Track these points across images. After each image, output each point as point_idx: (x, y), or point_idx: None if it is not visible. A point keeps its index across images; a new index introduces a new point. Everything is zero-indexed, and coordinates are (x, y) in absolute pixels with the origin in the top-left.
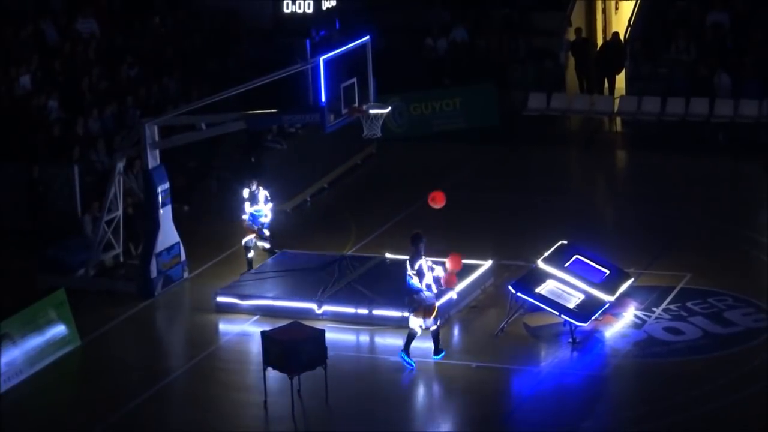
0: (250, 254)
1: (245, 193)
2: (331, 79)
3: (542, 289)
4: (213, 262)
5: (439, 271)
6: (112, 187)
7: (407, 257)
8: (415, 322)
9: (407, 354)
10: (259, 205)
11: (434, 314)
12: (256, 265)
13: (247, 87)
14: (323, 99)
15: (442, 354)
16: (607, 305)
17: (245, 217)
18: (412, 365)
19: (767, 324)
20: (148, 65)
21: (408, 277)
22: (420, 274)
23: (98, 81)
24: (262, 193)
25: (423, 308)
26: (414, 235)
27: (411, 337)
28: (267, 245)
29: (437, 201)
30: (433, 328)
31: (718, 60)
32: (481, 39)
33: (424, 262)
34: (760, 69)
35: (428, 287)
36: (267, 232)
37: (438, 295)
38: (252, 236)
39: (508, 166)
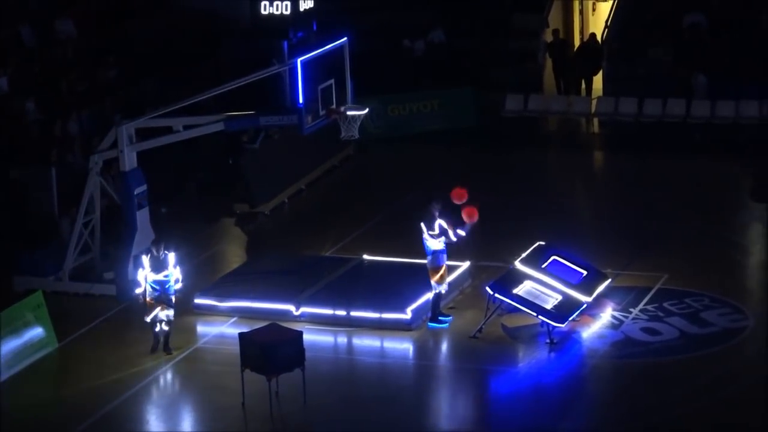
0: (158, 328)
1: (145, 260)
2: (309, 81)
3: (520, 290)
4: (191, 264)
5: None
6: (89, 189)
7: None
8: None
9: (436, 321)
10: (168, 270)
11: (438, 276)
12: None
13: (224, 89)
14: (301, 100)
15: (441, 325)
16: (585, 306)
17: (141, 290)
18: (445, 323)
19: (744, 324)
20: (126, 67)
21: (424, 240)
22: (442, 233)
23: (76, 83)
24: (171, 256)
25: (433, 269)
26: (431, 199)
27: (434, 300)
28: (172, 314)
29: (462, 197)
30: (435, 290)
31: (695, 61)
32: (459, 40)
33: (436, 222)
34: (737, 70)
35: (445, 246)
36: (173, 299)
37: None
38: (157, 309)
39: (486, 167)
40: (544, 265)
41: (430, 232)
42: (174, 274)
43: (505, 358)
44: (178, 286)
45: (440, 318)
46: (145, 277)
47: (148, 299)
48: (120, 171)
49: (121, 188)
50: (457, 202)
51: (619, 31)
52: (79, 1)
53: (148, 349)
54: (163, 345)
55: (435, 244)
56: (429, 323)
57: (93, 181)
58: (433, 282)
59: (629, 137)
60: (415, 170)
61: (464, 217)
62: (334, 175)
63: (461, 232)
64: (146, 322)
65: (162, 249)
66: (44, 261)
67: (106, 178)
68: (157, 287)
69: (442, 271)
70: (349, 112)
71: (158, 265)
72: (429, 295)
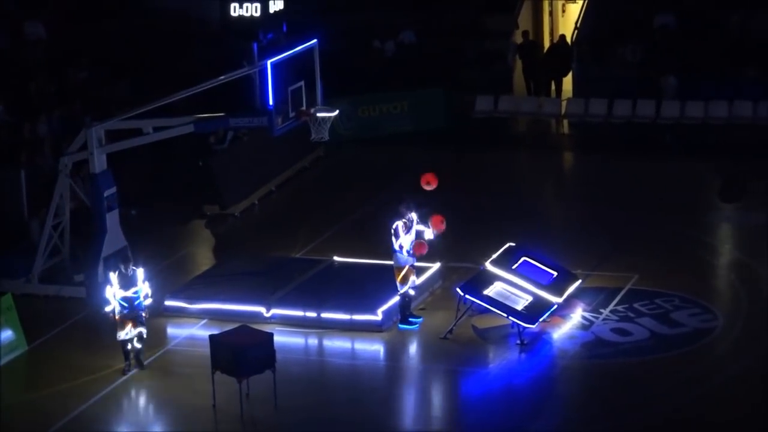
0: (129, 346)
1: (113, 278)
2: (279, 83)
3: (490, 291)
4: (161, 265)
5: (414, 234)
6: (59, 191)
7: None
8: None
9: (406, 323)
10: (137, 286)
11: (401, 277)
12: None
13: (194, 90)
14: (271, 102)
15: (411, 326)
16: (555, 307)
17: (111, 308)
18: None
19: (714, 324)
20: (96, 68)
21: (391, 240)
22: (395, 234)
23: (46, 85)
24: (139, 272)
25: (396, 268)
26: (400, 199)
27: (401, 301)
28: (144, 330)
29: (431, 182)
30: (400, 291)
31: (665, 62)
32: (429, 41)
33: (401, 224)
34: (706, 71)
35: (400, 248)
36: (146, 315)
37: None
38: (128, 326)
39: (456, 168)
40: (514, 266)
41: (398, 232)
42: (143, 290)
43: (476, 359)
44: (148, 302)
45: (410, 319)
46: (113, 295)
47: (117, 317)
48: (90, 173)
49: (90, 190)
50: (426, 188)
51: (589, 32)
52: (49, 3)
53: (118, 351)
54: (136, 361)
55: (400, 243)
56: (399, 325)
57: (63, 183)
58: (396, 282)
59: (599, 138)
60: (385, 171)
61: (431, 226)
62: (304, 177)
63: (428, 236)
64: (118, 340)
65: (130, 265)
66: (14, 263)
67: (75, 180)
68: (126, 304)
69: (404, 272)
70: (319, 114)
71: (127, 282)
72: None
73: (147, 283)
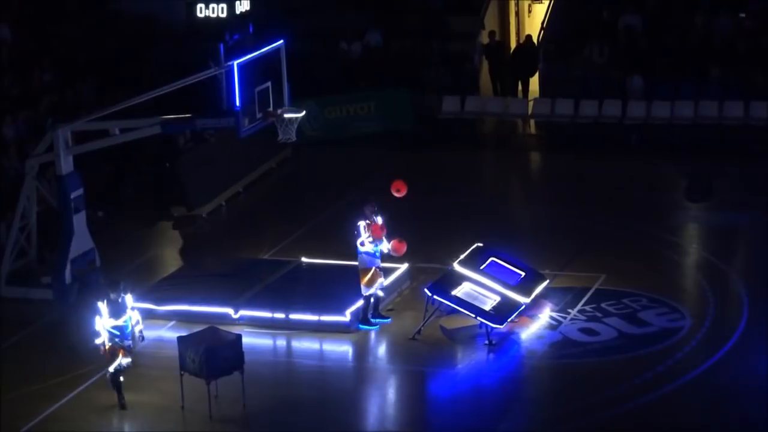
0: (122, 378)
1: (102, 307)
2: (246, 84)
3: (458, 292)
4: (129, 267)
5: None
6: (26, 194)
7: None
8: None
9: (366, 323)
10: (128, 314)
11: (367, 279)
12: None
13: (161, 91)
14: (237, 103)
15: (369, 327)
16: (523, 307)
17: (102, 340)
18: (376, 325)
19: (681, 324)
20: (61, 70)
21: (356, 242)
22: (357, 233)
23: (10, 87)
24: (128, 299)
25: (362, 270)
26: (365, 201)
27: (365, 303)
28: (130, 360)
29: (401, 190)
30: (365, 294)
31: (631, 62)
32: (396, 42)
33: (363, 223)
34: (672, 71)
35: (362, 244)
36: (135, 344)
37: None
38: (120, 357)
39: (423, 168)
40: (482, 267)
41: (362, 234)
42: (133, 317)
43: (444, 359)
44: (140, 327)
45: (372, 320)
46: (103, 325)
47: (108, 347)
48: (56, 175)
49: (57, 192)
50: (396, 195)
51: (555, 32)
52: (12, 4)
53: (86, 353)
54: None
55: (365, 246)
56: (359, 325)
57: (29, 185)
58: (362, 285)
59: (565, 138)
60: (352, 172)
61: (392, 249)
62: (271, 178)
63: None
64: (109, 373)
65: (120, 291)
66: None
67: (42, 182)
68: (118, 333)
69: (371, 274)
70: (286, 115)
71: (117, 310)
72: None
73: (136, 311)
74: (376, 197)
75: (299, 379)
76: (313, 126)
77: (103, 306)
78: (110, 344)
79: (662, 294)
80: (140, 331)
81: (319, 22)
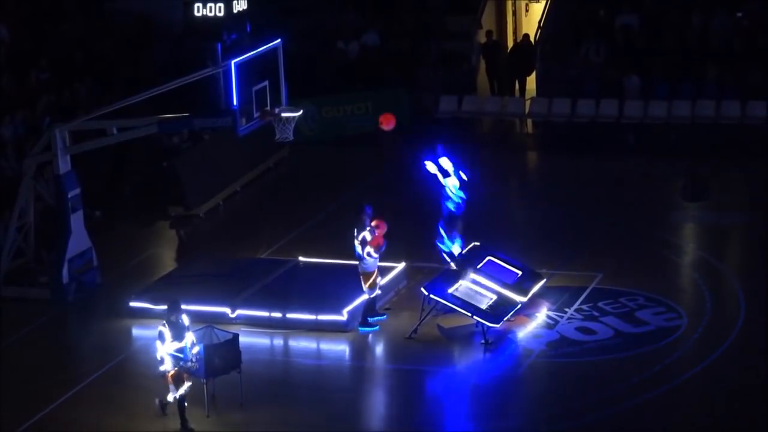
0: (186, 403)
1: (165, 331)
2: (243, 83)
3: (455, 291)
4: (126, 267)
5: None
6: (23, 193)
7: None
8: (363, 288)
9: (366, 325)
10: (188, 336)
11: (369, 282)
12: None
13: (158, 91)
14: (235, 102)
15: (370, 329)
16: (520, 306)
17: (166, 367)
18: (376, 327)
19: (678, 323)
20: (58, 70)
21: (355, 245)
22: (363, 242)
23: (8, 87)
24: (185, 318)
25: (364, 274)
26: (363, 206)
27: (366, 304)
28: (190, 384)
29: (388, 123)
30: (370, 296)
31: (628, 62)
32: (393, 42)
33: (367, 233)
34: (669, 71)
35: (368, 254)
36: (193, 365)
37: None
38: (185, 381)
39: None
40: (479, 266)
41: (357, 240)
42: (188, 338)
43: (441, 358)
44: (196, 350)
45: (370, 320)
46: (167, 350)
47: (172, 373)
48: (54, 174)
49: (55, 192)
50: (385, 127)
51: (552, 32)
52: (10, 4)
53: (83, 352)
54: (162, 409)
55: (362, 251)
56: (360, 328)
57: (27, 184)
58: (366, 288)
59: (563, 138)
60: (349, 172)
61: (369, 248)
62: (269, 177)
63: (373, 253)
64: (174, 400)
65: (179, 312)
66: None
67: (39, 182)
68: (181, 356)
69: (373, 277)
70: (283, 114)
71: (179, 332)
72: (363, 298)
73: (191, 332)
74: (371, 199)
75: (296, 378)
76: (310, 125)
77: (165, 330)
78: (176, 369)
79: (659, 293)
80: (198, 353)
81: (317, 22)
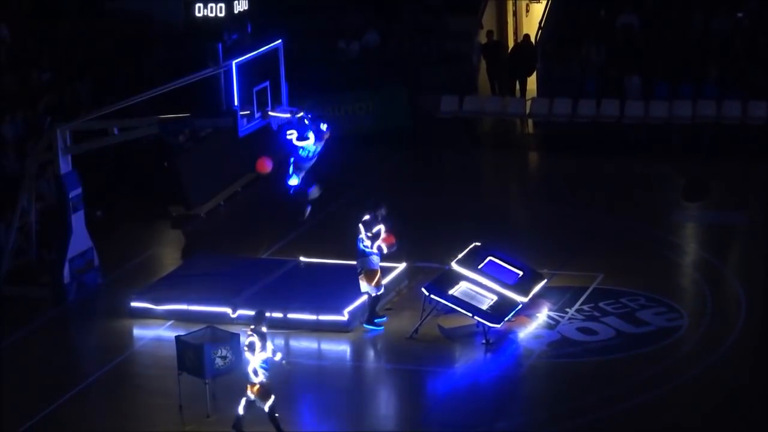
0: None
1: (256, 340)
2: (244, 83)
3: (456, 291)
4: (127, 267)
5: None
6: (25, 193)
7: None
8: (364, 286)
9: (372, 324)
10: (269, 345)
11: (375, 280)
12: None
13: (159, 91)
14: (236, 103)
15: (375, 330)
16: (521, 306)
17: (260, 378)
18: (381, 327)
19: (679, 323)
20: (59, 70)
21: (359, 240)
22: (376, 236)
23: (9, 86)
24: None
25: (365, 271)
26: (373, 201)
27: (371, 302)
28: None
29: (263, 167)
30: (374, 294)
31: (628, 62)
32: (394, 42)
33: (382, 227)
34: (670, 70)
35: (379, 249)
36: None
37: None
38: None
39: (421, 168)
40: (480, 266)
41: (368, 234)
42: (268, 347)
43: (442, 358)
44: (278, 357)
45: (376, 321)
46: (258, 361)
47: (257, 386)
48: (55, 174)
49: (56, 191)
50: (260, 171)
51: (553, 32)
52: (11, 4)
53: (83, 352)
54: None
55: (371, 247)
56: (365, 324)
57: (28, 184)
58: (372, 286)
59: (564, 138)
60: (349, 172)
61: (382, 243)
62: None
63: (384, 249)
64: (267, 411)
65: (265, 321)
66: None
67: (40, 182)
68: (266, 365)
69: (378, 275)
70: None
71: (265, 342)
72: (365, 297)
73: (270, 341)
74: (385, 200)
75: (297, 378)
76: None
77: (256, 339)
78: (266, 381)
79: (660, 293)
80: (280, 360)
81: (317, 22)
